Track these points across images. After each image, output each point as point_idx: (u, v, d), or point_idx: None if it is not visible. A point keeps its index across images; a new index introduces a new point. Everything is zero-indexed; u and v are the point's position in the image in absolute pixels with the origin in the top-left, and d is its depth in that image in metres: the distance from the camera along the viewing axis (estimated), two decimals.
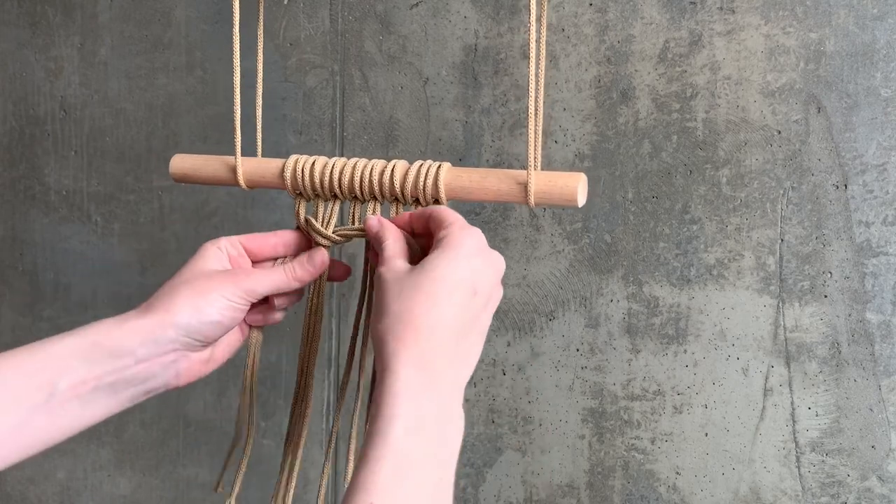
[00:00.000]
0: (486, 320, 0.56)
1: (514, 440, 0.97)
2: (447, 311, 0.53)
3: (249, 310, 0.64)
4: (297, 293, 0.67)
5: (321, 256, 0.65)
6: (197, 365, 0.62)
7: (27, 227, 1.16)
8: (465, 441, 0.99)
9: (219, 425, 1.11)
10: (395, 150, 0.97)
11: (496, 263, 0.57)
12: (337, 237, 0.65)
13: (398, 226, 0.62)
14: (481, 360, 0.97)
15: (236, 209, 1.06)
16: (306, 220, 0.66)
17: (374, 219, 0.62)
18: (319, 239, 0.65)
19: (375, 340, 0.54)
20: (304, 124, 1.01)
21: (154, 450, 1.14)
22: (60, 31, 1.11)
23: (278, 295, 0.66)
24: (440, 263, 0.54)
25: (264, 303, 0.67)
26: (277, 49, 1.01)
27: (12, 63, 1.14)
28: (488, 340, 0.96)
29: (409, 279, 0.54)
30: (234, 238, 0.65)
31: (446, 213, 0.59)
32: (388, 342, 0.52)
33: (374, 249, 0.61)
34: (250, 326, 0.68)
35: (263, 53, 1.01)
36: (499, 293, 0.58)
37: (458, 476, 1.00)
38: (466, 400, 0.98)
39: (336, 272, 0.69)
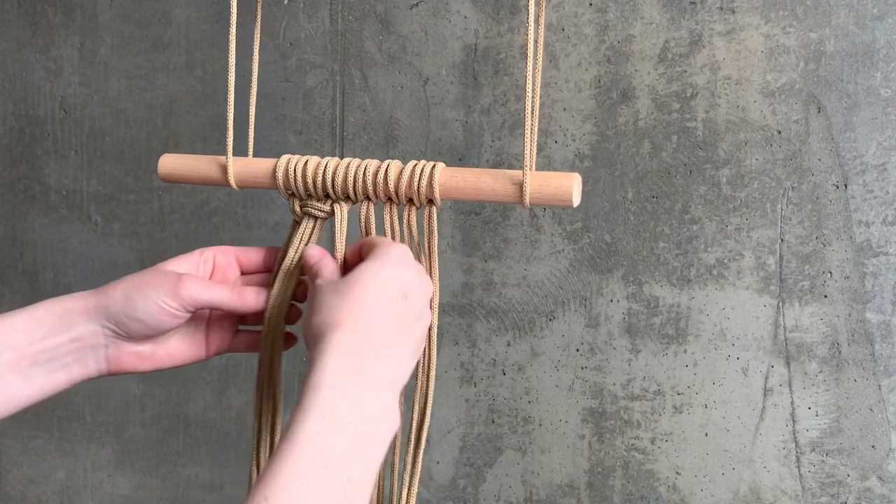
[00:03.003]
0: (419, 332, 0.57)
1: (514, 440, 0.97)
2: (375, 307, 0.55)
3: (211, 334, 0.66)
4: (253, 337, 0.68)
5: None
6: (127, 356, 0.62)
7: (27, 227, 1.16)
8: (465, 441, 0.99)
9: (219, 425, 1.11)
10: (395, 150, 0.97)
11: (426, 280, 0.59)
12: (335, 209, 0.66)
13: (349, 257, 0.64)
14: (481, 360, 0.97)
15: (236, 209, 1.06)
16: (301, 202, 0.66)
17: (317, 249, 0.63)
18: (318, 213, 0.66)
19: (308, 340, 0.55)
20: (304, 124, 1.01)
21: (154, 450, 1.15)
22: (60, 31, 1.11)
23: (242, 331, 0.67)
24: (369, 267, 0.57)
25: (230, 331, 0.67)
26: (277, 49, 1.01)
27: (12, 63, 1.14)
28: (488, 340, 0.96)
29: (340, 283, 0.56)
30: (230, 248, 0.67)
31: (376, 237, 0.62)
32: (317, 338, 0.53)
33: (309, 278, 0.62)
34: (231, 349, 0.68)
35: (264, 53, 1.01)
36: (428, 313, 0.59)
37: (458, 476, 1.00)
38: (466, 400, 0.98)
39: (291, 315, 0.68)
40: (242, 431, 1.09)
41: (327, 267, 0.61)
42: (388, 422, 0.52)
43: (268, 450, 0.67)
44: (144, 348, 0.63)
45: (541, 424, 0.96)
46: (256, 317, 0.67)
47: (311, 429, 0.48)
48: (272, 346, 0.66)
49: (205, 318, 0.66)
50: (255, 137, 1.02)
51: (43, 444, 1.20)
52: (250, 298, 0.63)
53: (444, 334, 0.98)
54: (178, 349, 0.65)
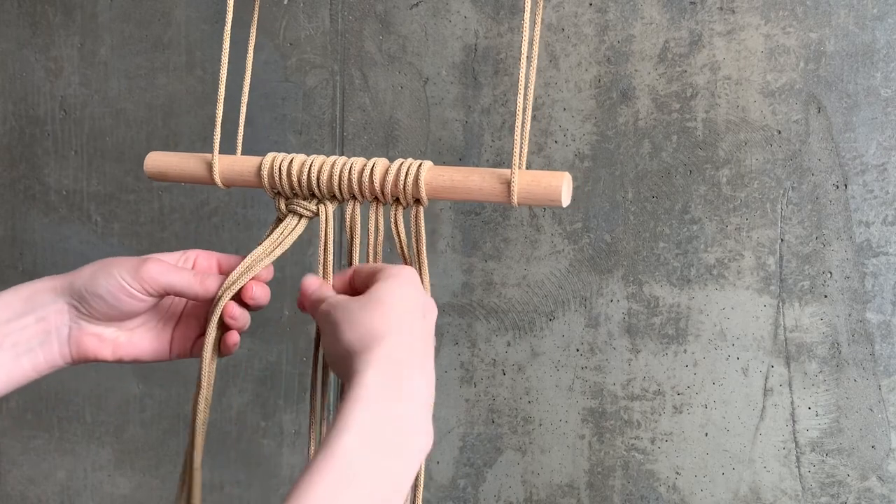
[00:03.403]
0: (432, 351, 0.57)
1: (514, 440, 0.97)
2: (406, 323, 0.54)
3: (176, 335, 0.65)
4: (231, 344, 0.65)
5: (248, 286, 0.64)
6: (88, 337, 0.62)
7: (27, 227, 1.16)
8: (464, 441, 0.99)
9: (219, 425, 1.11)
10: (395, 150, 0.97)
11: (433, 303, 0.59)
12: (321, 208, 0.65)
13: (338, 285, 0.62)
14: (481, 360, 0.97)
15: (236, 209, 1.06)
16: (287, 201, 0.65)
17: (314, 278, 0.62)
18: (304, 212, 0.65)
19: (339, 361, 0.53)
20: (304, 124, 1.01)
21: (154, 450, 1.15)
22: (60, 31, 1.11)
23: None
24: (389, 285, 0.55)
25: (195, 333, 0.66)
26: (277, 49, 1.01)
27: (12, 63, 1.14)
28: (488, 340, 0.96)
29: (363, 301, 0.55)
30: (213, 253, 0.67)
31: (379, 264, 0.61)
32: (356, 353, 0.52)
33: (310, 306, 0.60)
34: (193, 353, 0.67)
35: (264, 53, 1.01)
36: (434, 336, 0.59)
37: (458, 476, 1.00)
38: (466, 400, 0.98)
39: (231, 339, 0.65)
40: (242, 431, 1.09)
41: (330, 291, 0.60)
42: (423, 436, 0.51)
43: (203, 434, 0.66)
44: (107, 332, 0.63)
45: (541, 424, 0.96)
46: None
47: (348, 444, 0.47)
48: (211, 334, 0.64)
49: (175, 316, 0.67)
50: (255, 137, 1.02)
51: (43, 444, 1.20)
52: (212, 285, 0.63)
53: (444, 334, 0.98)
54: (140, 341, 0.65)
